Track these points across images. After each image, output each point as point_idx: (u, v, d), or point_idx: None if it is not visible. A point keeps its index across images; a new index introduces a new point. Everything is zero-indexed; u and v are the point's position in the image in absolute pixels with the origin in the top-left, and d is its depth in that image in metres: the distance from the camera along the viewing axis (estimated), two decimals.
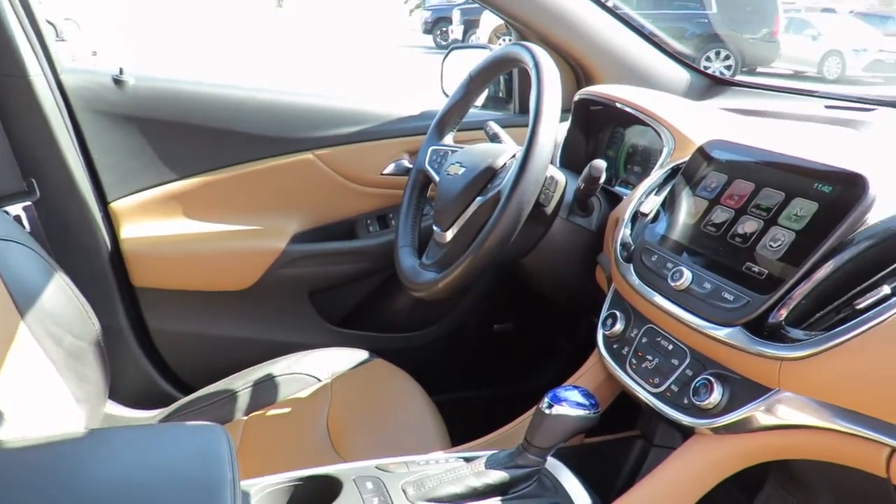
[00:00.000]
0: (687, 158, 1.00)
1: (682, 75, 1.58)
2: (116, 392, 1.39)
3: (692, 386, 0.82)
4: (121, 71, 1.45)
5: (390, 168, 1.57)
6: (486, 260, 1.05)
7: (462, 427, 1.19)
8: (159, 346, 1.55)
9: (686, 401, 0.82)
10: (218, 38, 13.41)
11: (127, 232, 1.47)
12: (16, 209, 1.36)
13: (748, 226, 0.84)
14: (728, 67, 11.60)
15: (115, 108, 1.44)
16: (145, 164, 1.47)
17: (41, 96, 1.35)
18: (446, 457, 0.91)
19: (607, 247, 1.10)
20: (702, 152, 0.97)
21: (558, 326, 1.74)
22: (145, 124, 1.47)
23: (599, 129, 1.40)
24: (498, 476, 0.83)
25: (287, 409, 1.24)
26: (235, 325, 1.57)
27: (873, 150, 1.01)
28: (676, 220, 0.95)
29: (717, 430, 0.79)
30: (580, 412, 0.82)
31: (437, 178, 1.24)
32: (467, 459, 0.88)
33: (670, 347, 0.88)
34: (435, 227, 1.20)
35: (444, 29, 15.84)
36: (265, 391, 1.28)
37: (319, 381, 1.29)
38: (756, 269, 0.80)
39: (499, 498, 0.82)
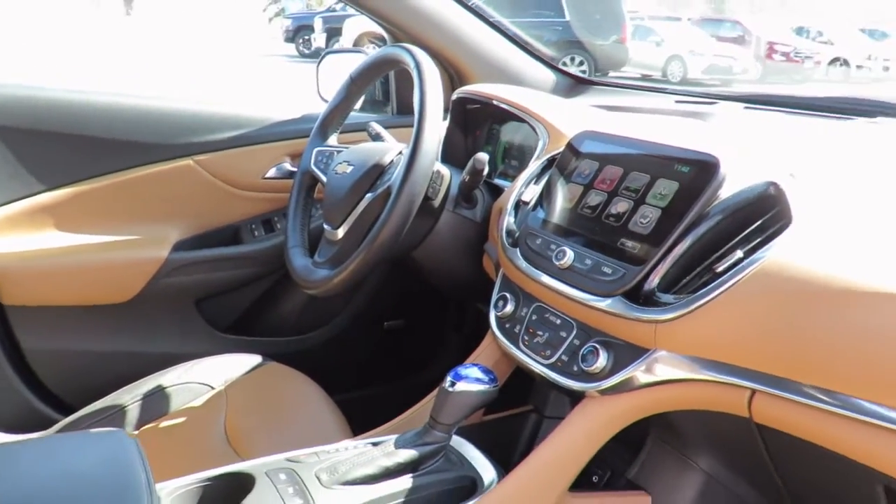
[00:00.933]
0: (561, 150, 1.08)
1: (548, 76, 1.68)
2: None
3: (580, 354, 0.90)
4: None
5: (272, 172, 1.57)
6: (380, 253, 1.09)
7: (362, 422, 1.22)
8: (35, 366, 1.47)
9: (575, 368, 0.90)
10: (67, 46, 12.61)
11: None
12: None
13: (620, 206, 0.93)
14: (583, 72, 12.23)
15: None
16: (8, 175, 1.39)
17: None
18: (354, 444, 0.94)
19: (493, 235, 1.17)
20: (574, 143, 1.05)
21: (446, 320, 1.80)
22: (2, 133, 1.39)
23: (477, 127, 1.47)
24: (407, 454, 0.87)
25: (181, 419, 1.22)
26: (118, 338, 1.52)
27: (719, 137, 1.14)
28: (556, 206, 1.03)
29: (604, 392, 0.87)
30: (480, 387, 0.87)
31: (324, 178, 1.27)
32: (375, 444, 0.91)
33: (558, 322, 0.95)
34: (326, 226, 1.22)
35: (307, 37, 15.67)
36: (156, 403, 1.25)
37: (213, 388, 1.27)
38: (630, 244, 0.88)
39: (409, 475, 0.86)
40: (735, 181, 0.86)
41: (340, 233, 1.19)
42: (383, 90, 1.74)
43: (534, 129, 1.25)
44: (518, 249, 1.04)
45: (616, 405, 0.87)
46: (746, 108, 1.38)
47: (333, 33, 14.23)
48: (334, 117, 1.36)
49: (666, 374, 0.83)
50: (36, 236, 1.41)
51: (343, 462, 0.87)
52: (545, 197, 1.06)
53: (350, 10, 1.52)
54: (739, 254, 0.80)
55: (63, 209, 1.43)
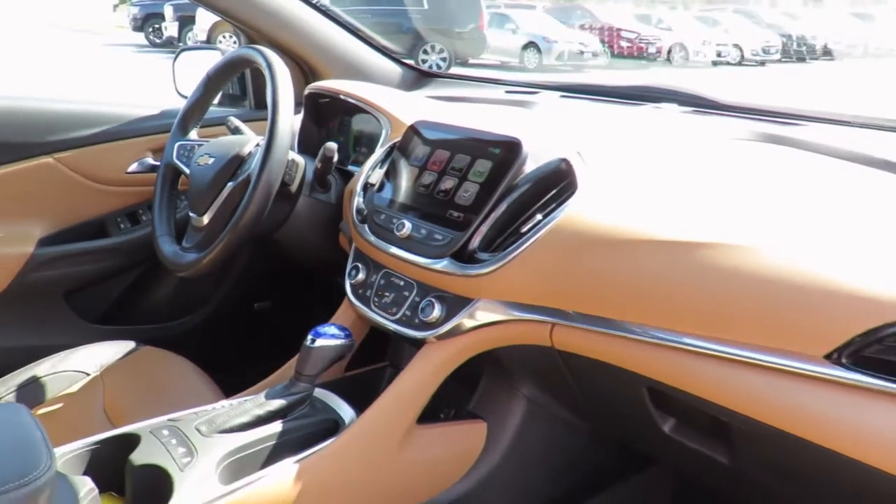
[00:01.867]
0: (400, 137, 1.25)
1: (394, 70, 1.85)
2: None
3: (419, 308, 1.07)
4: None
5: (134, 166, 1.64)
6: (243, 235, 1.21)
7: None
8: None
9: (417, 320, 1.07)
10: None
11: None
12: None
13: (447, 183, 1.11)
14: (444, 59, 12.53)
15: None
16: None
17: None
18: (230, 402, 1.07)
19: (346, 215, 1.32)
20: (411, 131, 1.22)
21: (313, 298, 1.94)
22: None
23: (329, 119, 1.61)
24: (276, 404, 1.01)
25: (59, 405, 1.28)
26: None
27: (532, 121, 1.35)
28: (396, 186, 1.19)
29: (440, 338, 1.05)
30: (337, 342, 1.03)
31: (187, 170, 1.37)
32: (247, 400, 1.05)
33: (402, 283, 1.13)
34: (191, 214, 1.33)
35: (157, 26, 14.98)
36: (32, 393, 1.30)
37: (88, 374, 1.33)
38: (455, 214, 1.07)
39: (280, 421, 1.01)
40: (536, 159, 1.06)
41: (206, 219, 1.30)
42: (240, 86, 1.84)
43: (378, 119, 1.41)
44: (366, 225, 1.20)
45: (450, 347, 1.05)
46: (562, 96, 1.60)
47: (186, 21, 13.72)
48: (194, 113, 1.45)
49: (486, 318, 1.02)
50: None
51: (220, 415, 1.00)
52: (388, 179, 1.22)
53: None
54: (539, 217, 1.00)
55: None
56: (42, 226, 1.56)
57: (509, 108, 1.49)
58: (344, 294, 1.25)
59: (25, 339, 1.58)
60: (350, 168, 1.48)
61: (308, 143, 1.57)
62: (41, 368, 1.34)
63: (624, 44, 18.99)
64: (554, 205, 1.01)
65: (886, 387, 0.71)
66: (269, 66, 1.26)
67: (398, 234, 1.11)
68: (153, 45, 14.77)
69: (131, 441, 0.96)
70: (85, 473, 0.93)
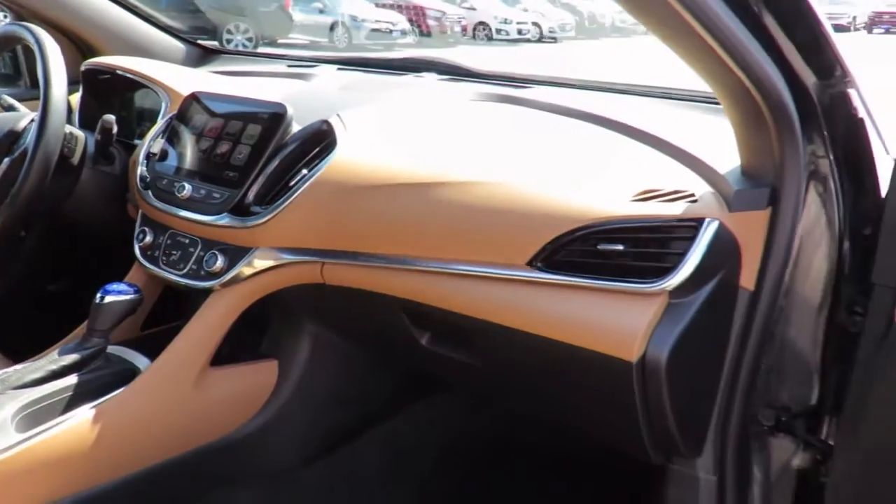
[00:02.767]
0: (178, 108, 1.34)
1: (177, 46, 1.90)
2: None
3: (204, 261, 1.18)
4: None
5: None
6: (24, 209, 1.25)
7: None
8: None
9: (202, 272, 1.18)
10: None
11: None
12: None
13: (223, 147, 1.22)
14: (249, 40, 12.21)
15: None
16: None
17: None
18: (25, 365, 1.12)
19: (131, 184, 1.39)
20: (188, 101, 1.31)
21: (111, 274, 1.95)
22: None
23: (110, 95, 1.64)
24: (70, 358, 1.08)
25: None
26: None
27: (305, 91, 1.48)
28: (177, 153, 1.28)
29: (224, 285, 1.17)
30: (125, 297, 1.12)
31: None
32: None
33: (187, 241, 1.22)
34: None
35: None
36: None
37: None
38: (231, 174, 1.18)
39: (75, 375, 1.08)
40: (302, 122, 1.20)
41: None
42: (13, 65, 1.80)
43: (157, 93, 1.47)
44: (150, 191, 1.28)
45: (235, 293, 1.17)
46: (339, 69, 1.75)
47: None
48: None
49: (264, 264, 1.15)
50: None
51: (11, 375, 1.05)
52: (168, 147, 1.30)
53: None
54: (305, 171, 1.14)
55: None
56: None
57: (287, 80, 1.61)
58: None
59: None
60: (137, 142, 1.53)
61: (90, 119, 1.59)
62: None
63: (431, 22, 19.47)
64: (317, 161, 1.16)
65: (574, 281, 0.93)
66: (37, 41, 1.29)
67: (180, 196, 1.21)
68: None
69: None
70: None
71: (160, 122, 1.39)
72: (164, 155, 1.30)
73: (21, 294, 1.81)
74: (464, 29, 20.61)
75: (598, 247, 0.92)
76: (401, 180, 1.07)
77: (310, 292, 1.17)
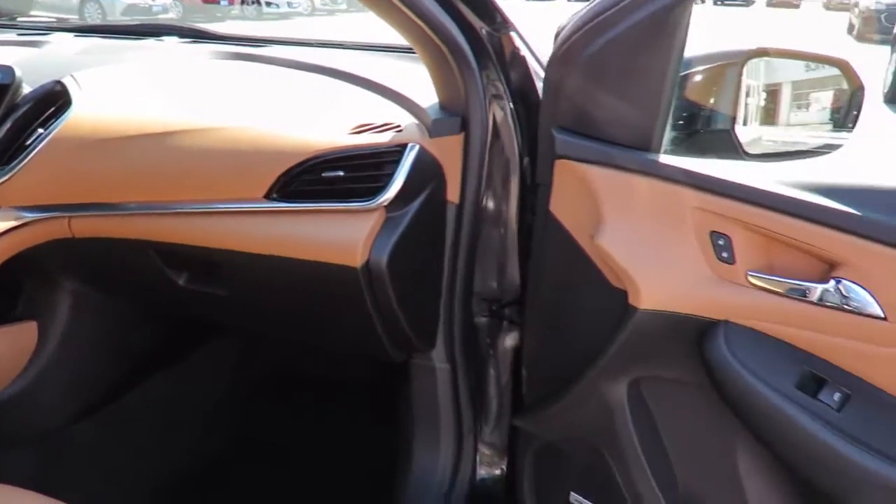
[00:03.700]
0: None
1: None
2: None
3: None
4: None
5: None
6: None
7: None
8: None
9: None
10: None
11: None
12: None
13: None
14: None
15: None
16: None
17: None
18: None
19: None
20: None
21: None
22: None
23: None
24: None
25: None
26: None
27: (37, 57, 1.47)
28: None
29: None
30: None
31: None
32: None
33: None
34: None
35: None
36: None
37: None
38: None
39: None
40: (34, 84, 1.21)
41: None
42: None
43: None
44: None
45: None
46: (76, 36, 1.73)
47: None
48: None
49: (5, 225, 1.16)
50: None
51: None
52: None
53: None
54: (41, 131, 1.17)
55: None
56: None
57: (17, 48, 1.57)
58: None
59: None
60: None
61: None
62: None
63: None
64: (53, 120, 1.19)
65: (305, 206, 1.07)
66: None
67: None
68: None
69: None
70: None
71: None
72: None
73: None
74: (231, 2, 19.84)
75: (323, 174, 1.06)
76: (139, 131, 1.14)
77: (61, 248, 1.20)
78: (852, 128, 1.04)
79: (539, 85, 1.11)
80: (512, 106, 1.13)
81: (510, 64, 1.12)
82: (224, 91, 1.30)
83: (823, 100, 1.06)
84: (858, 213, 0.75)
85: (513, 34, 1.12)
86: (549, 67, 0.96)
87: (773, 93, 1.05)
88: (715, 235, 0.85)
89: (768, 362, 0.82)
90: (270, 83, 1.36)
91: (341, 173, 1.06)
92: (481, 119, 1.11)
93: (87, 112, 1.18)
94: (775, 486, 0.91)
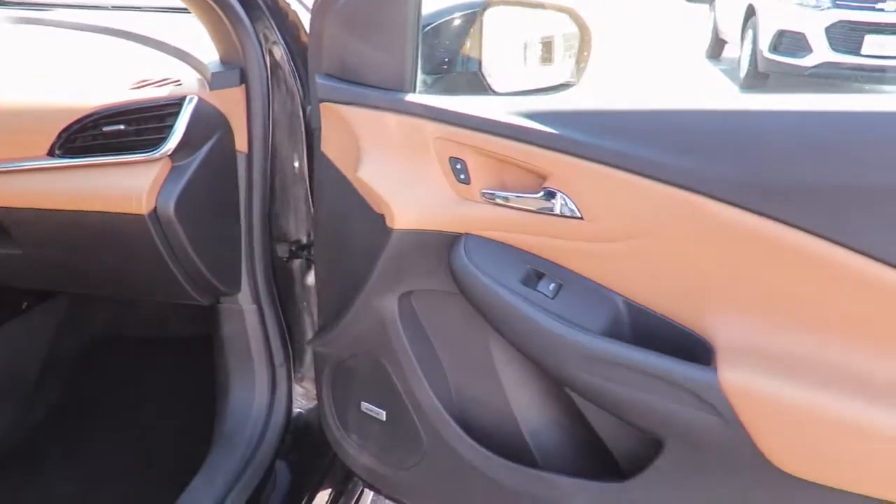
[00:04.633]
0: None
1: None
2: None
3: None
4: None
5: None
6: None
7: None
8: None
9: None
10: None
11: None
12: None
13: None
14: None
15: None
16: None
17: None
18: None
19: None
20: None
21: None
22: None
23: None
24: None
25: None
26: None
27: None
28: None
29: None
30: None
31: None
32: None
33: None
34: None
35: None
36: None
37: None
38: None
39: None
40: None
41: None
42: None
43: None
44: None
45: None
46: None
47: None
48: None
49: None
50: None
51: None
52: None
53: None
54: None
55: None
56: None
57: None
58: None
59: None
60: None
61: None
62: None
63: None
64: None
65: (89, 161, 1.11)
66: None
67: None
68: None
69: None
70: None
71: None
72: None
73: None
74: None
75: (104, 129, 1.11)
76: None
77: None
78: (584, 67, 1.21)
79: None
80: (289, 57, 1.22)
81: (284, 17, 1.20)
82: (4, 56, 1.30)
83: (559, 43, 1.23)
84: (559, 133, 0.91)
85: None
86: (312, 19, 1.06)
87: (513, 39, 1.20)
88: (453, 160, 0.98)
89: (500, 265, 0.97)
90: (53, 46, 1.37)
91: (122, 127, 1.11)
92: (259, 71, 1.18)
93: None
94: (526, 373, 1.07)
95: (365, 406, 1.18)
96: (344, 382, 1.21)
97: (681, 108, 0.88)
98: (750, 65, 7.05)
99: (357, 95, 1.02)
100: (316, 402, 1.43)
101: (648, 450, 0.95)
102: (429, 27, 1.12)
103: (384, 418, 1.17)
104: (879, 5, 6.19)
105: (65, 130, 1.10)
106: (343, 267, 1.13)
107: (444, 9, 1.15)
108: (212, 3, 1.10)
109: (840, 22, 6.27)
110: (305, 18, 1.24)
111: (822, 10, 6.36)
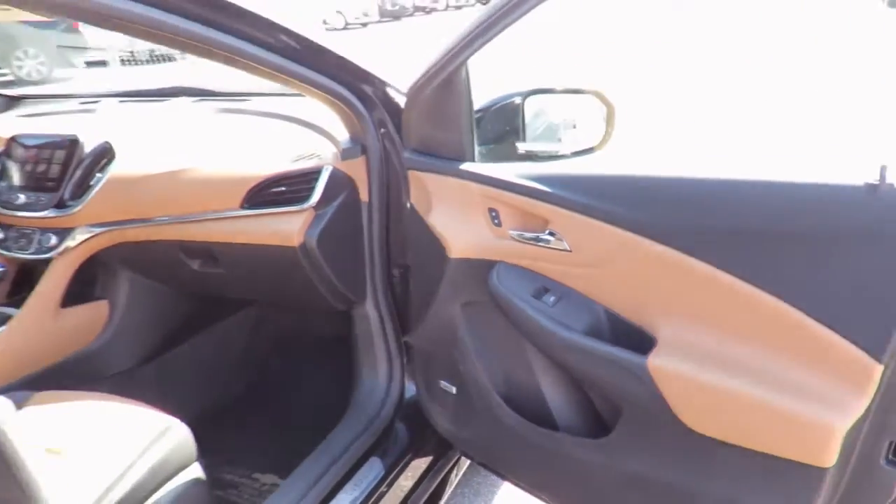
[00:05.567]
0: (2, 148, 1.95)
1: None
2: None
3: (41, 241, 1.83)
4: None
5: None
6: None
7: None
8: None
9: (43, 249, 1.83)
10: None
11: None
12: None
13: (41, 167, 1.86)
14: (42, 63, 12.05)
15: None
16: None
17: None
18: None
19: None
20: (10, 142, 1.93)
21: None
22: None
23: None
24: None
25: None
26: None
27: (91, 121, 2.13)
28: (9, 176, 1.90)
29: (59, 255, 1.83)
30: None
31: None
32: None
33: (29, 231, 1.87)
34: None
35: None
36: None
37: None
38: (50, 183, 1.84)
39: None
40: (93, 143, 1.86)
41: None
42: None
43: None
44: None
45: (67, 258, 1.84)
46: (121, 101, 2.39)
47: None
48: None
49: (83, 237, 1.82)
50: None
51: None
52: (3, 175, 1.92)
53: None
54: (99, 175, 1.82)
55: None
56: None
57: (79, 115, 2.25)
58: None
59: None
60: None
61: None
62: None
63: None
64: (106, 167, 1.83)
65: (265, 211, 1.69)
66: None
67: (16, 203, 1.85)
68: None
69: None
70: None
71: None
72: (0, 178, 1.92)
73: None
74: None
75: (272, 190, 1.68)
76: (159, 172, 1.78)
77: (119, 250, 1.85)
78: (608, 137, 1.60)
79: None
80: (396, 135, 1.72)
81: (393, 107, 1.72)
82: (212, 137, 1.93)
83: (585, 120, 1.63)
84: (555, 192, 1.32)
85: (389, 89, 1.71)
86: (404, 109, 1.55)
87: (544, 118, 1.62)
88: (491, 210, 1.43)
89: (519, 283, 1.40)
90: (244, 127, 1.99)
91: (283, 189, 1.67)
92: (375, 146, 1.70)
93: (126, 161, 1.82)
94: (548, 362, 1.48)
95: (442, 384, 1.65)
96: (429, 366, 1.68)
97: (638, 175, 1.26)
98: None
99: (430, 165, 1.50)
100: None
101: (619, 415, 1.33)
102: (484, 111, 1.57)
103: (455, 392, 1.62)
104: None
105: (250, 191, 1.69)
106: (425, 283, 1.61)
107: (495, 98, 1.60)
108: (342, 105, 1.62)
109: None
110: None
111: None
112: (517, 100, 1.59)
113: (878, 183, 0.98)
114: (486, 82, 1.63)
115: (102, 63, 13.08)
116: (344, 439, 1.73)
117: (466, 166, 1.45)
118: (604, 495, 1.41)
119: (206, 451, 1.45)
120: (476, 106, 1.50)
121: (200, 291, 2.06)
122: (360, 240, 1.78)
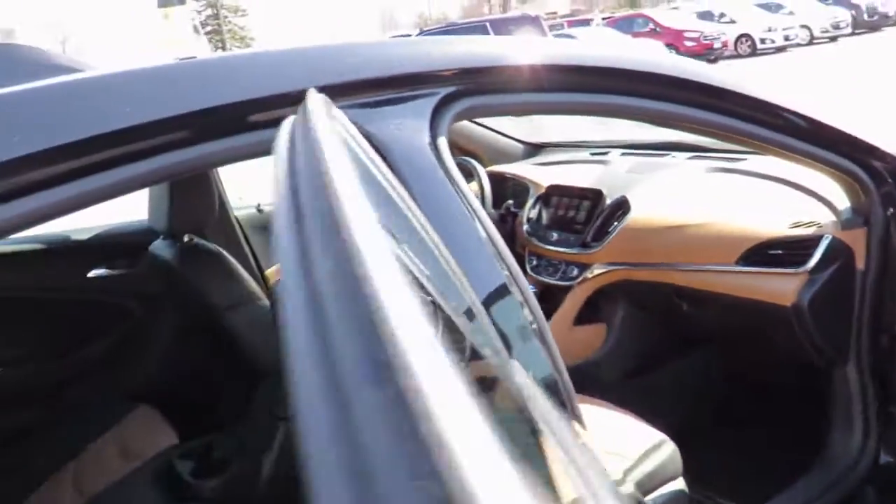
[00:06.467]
0: (542, 192, 2.51)
1: (517, 146, 3.11)
2: None
3: (566, 272, 2.33)
4: None
5: None
6: None
7: None
8: None
9: (567, 278, 2.33)
10: None
11: None
12: None
13: (570, 213, 2.36)
14: None
15: None
16: None
17: None
18: None
19: (520, 234, 2.58)
20: (547, 189, 2.48)
21: None
22: None
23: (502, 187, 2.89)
24: None
25: None
26: None
27: (605, 172, 2.58)
28: (545, 217, 2.45)
29: (579, 284, 2.30)
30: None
31: None
32: None
33: (557, 262, 2.39)
34: None
35: None
36: None
37: None
38: (577, 226, 2.33)
39: None
40: (611, 195, 2.29)
41: None
42: None
43: (527, 184, 2.67)
44: (533, 238, 2.46)
45: (583, 288, 2.30)
46: (622, 154, 2.82)
47: None
48: None
49: (599, 271, 2.26)
50: None
51: None
52: (540, 214, 2.48)
53: None
54: (616, 223, 2.24)
55: None
56: None
57: (593, 165, 2.73)
58: None
59: None
60: (514, 210, 2.73)
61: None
62: None
63: (689, 44, 19.62)
64: (622, 217, 2.24)
65: (758, 270, 1.90)
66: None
67: (551, 239, 2.37)
68: None
69: None
70: None
71: (530, 201, 2.58)
72: (538, 218, 2.48)
73: None
74: (724, 45, 20.35)
75: (769, 252, 1.88)
76: (665, 224, 2.11)
77: (623, 285, 2.25)
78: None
79: None
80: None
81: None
82: (710, 194, 2.20)
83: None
84: None
85: None
86: None
87: None
88: None
89: None
90: (738, 186, 2.20)
91: (780, 251, 1.86)
92: (880, 222, 1.76)
93: (639, 214, 2.20)
94: None
95: None
96: None
97: None
98: None
99: None
100: None
101: None
102: None
103: None
104: None
105: (748, 250, 1.91)
106: None
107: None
108: (848, 178, 1.73)
109: None
110: None
111: None
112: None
113: None
114: None
115: None
116: (810, 490, 1.84)
117: None
118: None
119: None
120: None
121: (681, 327, 2.36)
122: (850, 304, 1.85)
